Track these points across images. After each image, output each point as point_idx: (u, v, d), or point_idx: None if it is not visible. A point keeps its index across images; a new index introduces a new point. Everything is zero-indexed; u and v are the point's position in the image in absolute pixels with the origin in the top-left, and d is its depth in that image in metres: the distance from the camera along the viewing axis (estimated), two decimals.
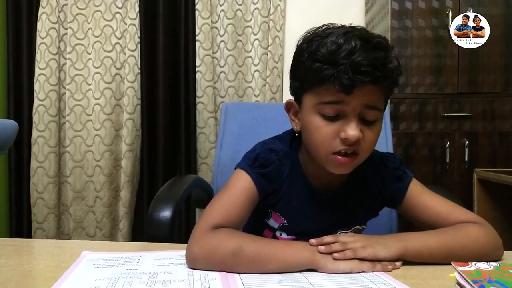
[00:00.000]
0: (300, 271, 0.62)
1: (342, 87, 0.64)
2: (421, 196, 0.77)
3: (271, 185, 0.75)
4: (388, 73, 0.66)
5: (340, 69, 0.63)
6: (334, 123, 0.67)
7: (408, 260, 0.65)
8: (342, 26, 0.69)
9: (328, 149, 0.68)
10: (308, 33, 0.72)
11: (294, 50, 0.74)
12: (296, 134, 0.79)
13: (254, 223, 0.83)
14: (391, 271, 0.62)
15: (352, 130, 0.65)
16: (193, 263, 0.64)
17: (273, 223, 0.81)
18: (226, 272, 0.62)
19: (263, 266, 0.62)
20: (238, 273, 0.62)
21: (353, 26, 0.69)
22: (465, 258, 0.62)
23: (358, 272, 0.61)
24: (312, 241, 0.65)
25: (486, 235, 0.69)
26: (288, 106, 0.78)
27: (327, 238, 0.65)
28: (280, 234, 0.81)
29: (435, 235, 0.68)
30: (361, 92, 0.65)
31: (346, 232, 0.80)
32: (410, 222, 0.80)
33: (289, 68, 0.75)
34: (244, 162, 0.75)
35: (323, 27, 0.70)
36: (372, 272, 0.61)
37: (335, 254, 0.62)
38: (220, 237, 0.65)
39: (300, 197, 0.78)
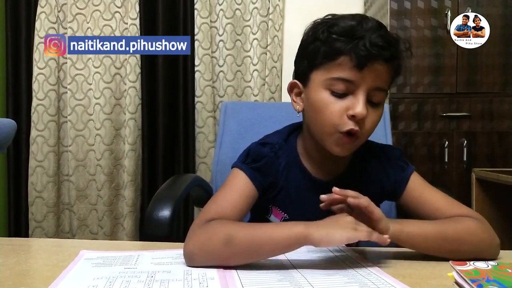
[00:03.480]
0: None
1: (357, 60, 0.65)
2: (422, 189, 0.77)
3: (266, 178, 0.76)
4: (399, 53, 0.70)
5: (357, 42, 0.65)
6: (342, 100, 0.68)
7: (402, 244, 0.65)
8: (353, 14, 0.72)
9: (335, 127, 0.69)
10: (316, 20, 0.73)
11: (303, 35, 0.75)
12: (298, 115, 0.79)
13: (255, 221, 0.83)
14: (388, 244, 0.62)
15: (360, 108, 0.67)
16: (190, 260, 0.64)
17: (274, 219, 0.81)
18: (224, 268, 0.61)
19: (257, 252, 0.62)
20: (236, 266, 0.61)
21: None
22: (461, 251, 0.62)
23: (355, 242, 0.61)
24: (323, 197, 0.66)
25: (484, 231, 0.69)
26: (292, 87, 0.78)
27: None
28: None
29: (433, 223, 0.69)
30: (372, 71, 0.67)
31: None
32: (408, 216, 0.80)
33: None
34: (238, 160, 0.77)
35: (331, 15, 0.73)
36: (368, 241, 0.61)
37: (349, 200, 0.63)
38: (211, 228, 0.65)
39: (300, 187, 0.78)
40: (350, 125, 0.68)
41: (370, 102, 0.69)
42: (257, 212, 0.83)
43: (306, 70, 0.73)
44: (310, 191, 0.78)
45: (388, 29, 2.03)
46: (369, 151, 0.80)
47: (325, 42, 0.68)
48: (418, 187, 0.78)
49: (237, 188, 0.73)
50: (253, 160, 0.76)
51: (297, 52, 0.77)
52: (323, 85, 0.70)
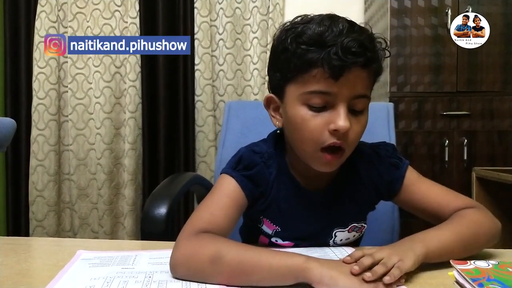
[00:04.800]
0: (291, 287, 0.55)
1: (331, 70, 0.60)
2: (419, 184, 0.75)
3: (257, 188, 0.72)
4: (377, 54, 0.65)
5: (329, 50, 0.60)
6: (321, 114, 0.64)
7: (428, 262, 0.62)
8: (321, 14, 0.66)
9: (317, 143, 0.65)
10: (285, 24, 0.69)
11: (273, 41, 0.71)
12: (278, 131, 0.75)
13: (249, 228, 0.81)
14: None
15: (342, 121, 0.62)
16: (173, 270, 0.59)
17: (266, 229, 0.78)
18: (206, 284, 0.57)
19: (246, 277, 0.56)
20: (220, 285, 0.56)
21: (333, 13, 0.66)
22: (477, 246, 0.63)
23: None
24: (347, 259, 0.57)
25: (486, 217, 0.70)
26: (268, 102, 0.73)
27: (363, 259, 0.57)
28: (276, 241, 0.78)
29: (450, 230, 0.65)
30: (350, 80, 0.62)
31: (343, 231, 0.78)
32: (411, 217, 0.79)
33: None
34: (228, 166, 0.72)
35: (300, 17, 0.68)
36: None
37: (385, 278, 0.54)
38: (200, 242, 0.60)
39: (290, 199, 0.74)
40: (332, 139, 0.64)
41: (352, 111, 0.65)
42: (250, 221, 0.79)
43: (280, 83, 0.68)
44: (301, 202, 0.75)
45: (388, 28, 2.02)
46: (360, 153, 0.75)
47: (294, 54, 0.63)
48: (414, 184, 0.75)
49: (227, 194, 0.69)
50: (245, 167, 0.71)
51: (269, 61, 0.72)
52: (300, 100, 0.65)
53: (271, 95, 0.72)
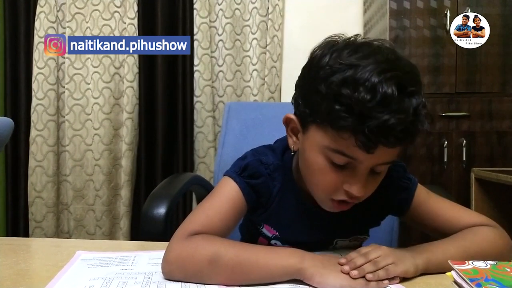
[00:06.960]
0: (288, 283, 0.57)
1: (363, 145, 0.55)
2: (428, 202, 0.73)
3: (259, 198, 0.70)
4: (418, 131, 0.58)
5: (366, 126, 0.53)
6: (341, 171, 0.60)
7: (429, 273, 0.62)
8: (373, 51, 0.58)
9: (328, 194, 0.63)
10: (331, 47, 0.60)
11: (309, 59, 0.63)
12: (292, 153, 0.71)
13: (249, 228, 0.81)
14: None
15: (358, 190, 0.60)
16: (168, 274, 0.59)
17: (266, 232, 0.77)
18: (205, 284, 0.57)
19: (244, 276, 0.57)
20: (218, 285, 0.57)
21: (386, 57, 0.57)
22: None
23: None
24: (342, 261, 0.59)
25: (501, 237, 0.68)
26: (287, 122, 0.68)
27: (356, 258, 0.58)
28: (275, 243, 0.78)
29: (454, 244, 0.65)
30: (381, 152, 0.57)
31: (344, 240, 0.77)
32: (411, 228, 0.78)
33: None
34: (233, 170, 0.70)
35: (350, 44, 0.60)
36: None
37: (368, 276, 0.56)
38: (196, 243, 0.60)
39: (292, 213, 0.73)
40: (345, 197, 0.62)
41: (372, 171, 0.61)
42: (250, 222, 0.79)
43: (305, 118, 0.63)
44: (303, 216, 0.74)
45: (387, 30, 2.01)
46: None
47: (328, 109, 0.56)
48: (423, 202, 0.73)
49: (228, 198, 0.67)
50: (250, 175, 0.69)
51: (300, 80, 0.65)
52: (321, 151, 0.60)
53: (293, 117, 0.67)
